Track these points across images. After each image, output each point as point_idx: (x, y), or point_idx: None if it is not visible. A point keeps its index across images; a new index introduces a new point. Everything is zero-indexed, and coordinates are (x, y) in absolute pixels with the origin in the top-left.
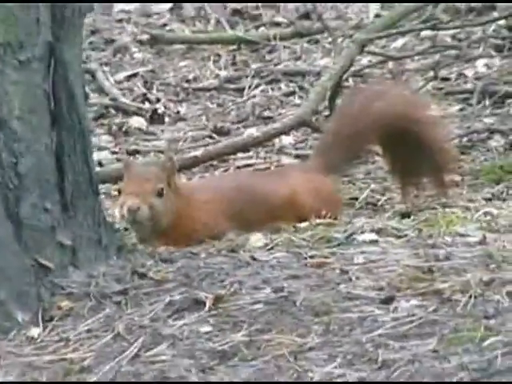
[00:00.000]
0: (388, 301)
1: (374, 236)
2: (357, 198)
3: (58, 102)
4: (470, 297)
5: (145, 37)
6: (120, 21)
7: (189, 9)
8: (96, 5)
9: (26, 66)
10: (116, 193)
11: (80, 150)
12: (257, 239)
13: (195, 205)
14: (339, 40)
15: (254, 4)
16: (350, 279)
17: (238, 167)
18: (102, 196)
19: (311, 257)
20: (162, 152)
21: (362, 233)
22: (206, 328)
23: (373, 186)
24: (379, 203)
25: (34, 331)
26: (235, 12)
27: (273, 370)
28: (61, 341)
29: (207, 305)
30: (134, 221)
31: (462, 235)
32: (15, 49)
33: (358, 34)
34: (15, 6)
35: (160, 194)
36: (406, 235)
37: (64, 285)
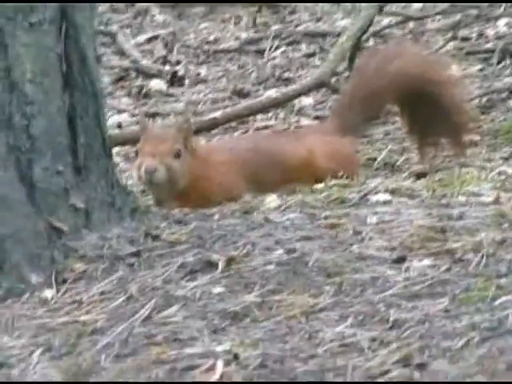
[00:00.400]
0: (400, 261)
1: (387, 196)
2: (375, 159)
3: (70, 65)
4: (482, 256)
5: None
6: None
7: None
8: None
9: (37, 29)
10: (133, 154)
11: (92, 113)
12: (272, 200)
13: (212, 166)
14: None
15: None
16: (363, 240)
17: (257, 129)
18: (121, 158)
19: (325, 218)
20: (181, 114)
21: (376, 193)
22: (218, 289)
23: (391, 146)
24: (397, 164)
25: (48, 293)
26: None
27: (284, 330)
28: (74, 303)
29: (220, 266)
30: (150, 182)
31: (475, 195)
32: (26, 11)
33: None
34: None
35: (177, 155)
36: (419, 195)
37: (77, 247)
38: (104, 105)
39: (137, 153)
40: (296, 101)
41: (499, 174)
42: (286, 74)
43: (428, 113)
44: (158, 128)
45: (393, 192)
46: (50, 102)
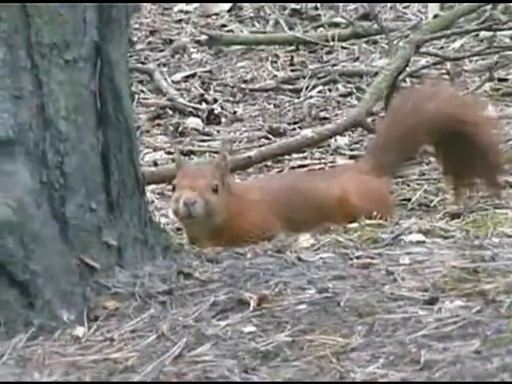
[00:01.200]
0: (432, 301)
1: (421, 237)
2: (410, 199)
3: (104, 102)
4: None
5: (203, 37)
6: (179, 21)
7: (248, 9)
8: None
9: (72, 66)
10: (171, 189)
11: (126, 150)
12: (305, 239)
13: (247, 205)
14: (396, 41)
15: (313, 4)
16: (395, 280)
17: (293, 168)
18: (157, 196)
19: (357, 257)
20: (216, 153)
21: (410, 233)
22: (250, 328)
23: (426, 186)
24: (432, 204)
25: (79, 331)
26: (294, 12)
27: (315, 370)
28: (105, 340)
29: (251, 305)
30: (189, 215)
31: (509, 236)
32: (61, 48)
33: (413, 35)
34: (62, 5)
35: (215, 190)
36: (453, 236)
37: (109, 285)
38: (138, 142)
39: (174, 188)
40: (332, 140)
41: None
42: (323, 114)
43: (463, 153)
44: (195, 163)
45: (426, 233)
46: (84, 139)
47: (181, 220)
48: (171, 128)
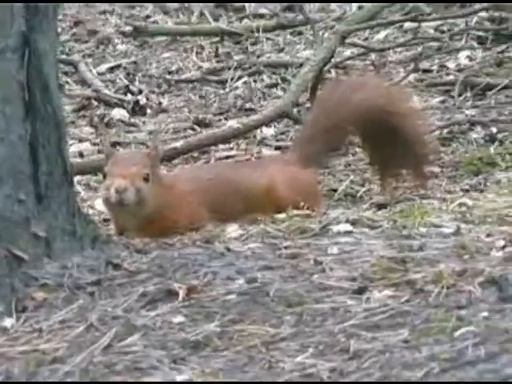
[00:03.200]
0: (360, 291)
1: (348, 227)
2: (336, 190)
3: (33, 93)
4: (443, 287)
5: (128, 28)
6: (103, 12)
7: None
8: None
9: None
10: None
11: (54, 141)
12: (233, 230)
13: (176, 195)
14: (321, 32)
15: None
16: (324, 270)
17: (219, 159)
18: (83, 187)
19: (286, 247)
20: (143, 144)
21: (337, 224)
22: (179, 318)
23: (352, 177)
24: (358, 194)
25: (8, 322)
26: (219, 3)
27: (245, 360)
28: (34, 331)
29: (180, 295)
30: (120, 202)
31: (436, 226)
32: None
33: (338, 26)
34: None
35: (146, 179)
36: (380, 226)
37: (38, 276)
38: (66, 133)
39: (104, 175)
40: (258, 131)
41: (460, 205)
42: (248, 105)
43: (389, 144)
44: (126, 152)
45: (354, 223)
46: (12, 130)
47: (111, 208)
48: (96, 119)
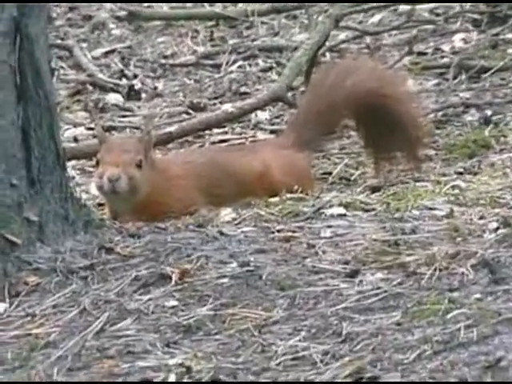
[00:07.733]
0: (353, 274)
1: (341, 210)
2: (330, 173)
3: (24, 77)
4: (435, 270)
5: (123, 13)
6: None
7: None
8: None
9: None
10: (93, 164)
11: (47, 125)
12: (226, 214)
13: (170, 180)
14: (315, 15)
15: None
16: (317, 253)
17: (213, 143)
18: (77, 172)
19: (279, 231)
20: (137, 128)
21: (331, 207)
22: (172, 302)
23: (347, 160)
24: (352, 178)
25: (0, 306)
26: None
27: (237, 343)
28: (27, 316)
29: (173, 279)
30: (113, 190)
31: (429, 209)
32: None
33: (332, 9)
34: None
35: (139, 165)
36: (373, 209)
37: (31, 260)
38: (58, 118)
39: (97, 162)
40: (252, 115)
41: (453, 188)
42: (243, 89)
43: (383, 127)
44: (118, 139)
45: (347, 206)
46: (4, 115)
47: (104, 195)
48: (91, 104)
